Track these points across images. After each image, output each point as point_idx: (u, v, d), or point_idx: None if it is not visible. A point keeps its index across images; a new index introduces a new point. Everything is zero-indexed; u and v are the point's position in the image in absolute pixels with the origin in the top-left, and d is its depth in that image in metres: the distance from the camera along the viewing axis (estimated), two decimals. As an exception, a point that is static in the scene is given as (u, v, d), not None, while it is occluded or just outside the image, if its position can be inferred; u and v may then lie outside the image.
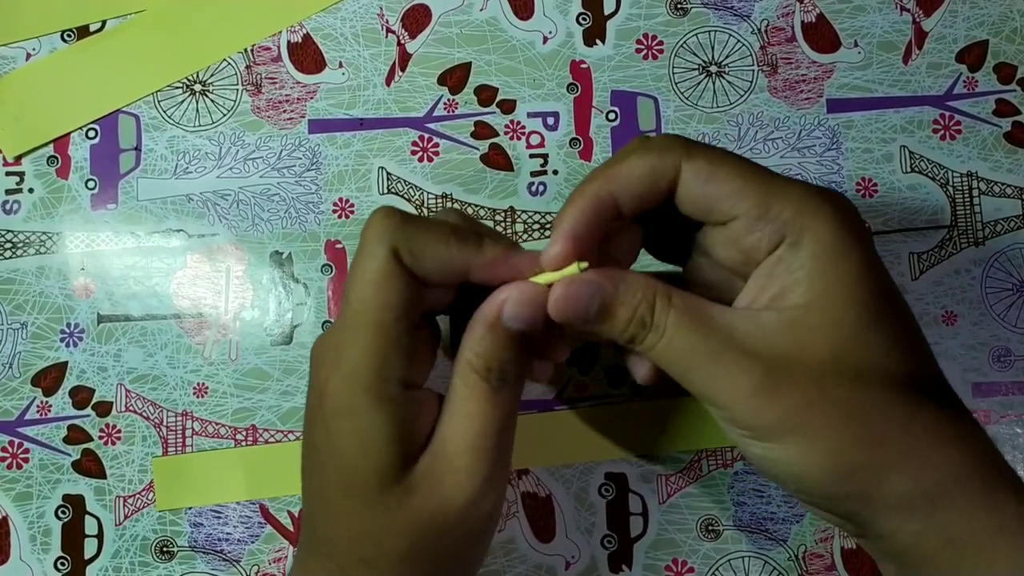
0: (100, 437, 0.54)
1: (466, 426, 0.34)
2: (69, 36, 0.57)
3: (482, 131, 0.56)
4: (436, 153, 0.56)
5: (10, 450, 0.54)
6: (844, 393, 0.31)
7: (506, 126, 0.56)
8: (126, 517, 0.54)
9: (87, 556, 0.54)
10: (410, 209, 0.56)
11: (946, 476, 0.31)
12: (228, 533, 0.54)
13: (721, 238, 0.35)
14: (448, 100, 0.56)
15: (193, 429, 0.54)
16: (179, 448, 0.54)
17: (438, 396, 0.37)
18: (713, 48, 0.57)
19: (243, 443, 0.54)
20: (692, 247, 0.37)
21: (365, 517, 0.34)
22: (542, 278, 0.35)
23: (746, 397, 0.31)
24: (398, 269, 0.34)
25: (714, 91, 0.56)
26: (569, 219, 0.34)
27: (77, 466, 0.54)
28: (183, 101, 0.57)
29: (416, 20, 0.57)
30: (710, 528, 0.54)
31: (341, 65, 0.57)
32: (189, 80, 0.57)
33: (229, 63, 0.57)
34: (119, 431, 0.54)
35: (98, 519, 0.54)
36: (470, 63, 0.57)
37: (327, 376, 0.34)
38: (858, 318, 0.31)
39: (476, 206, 0.56)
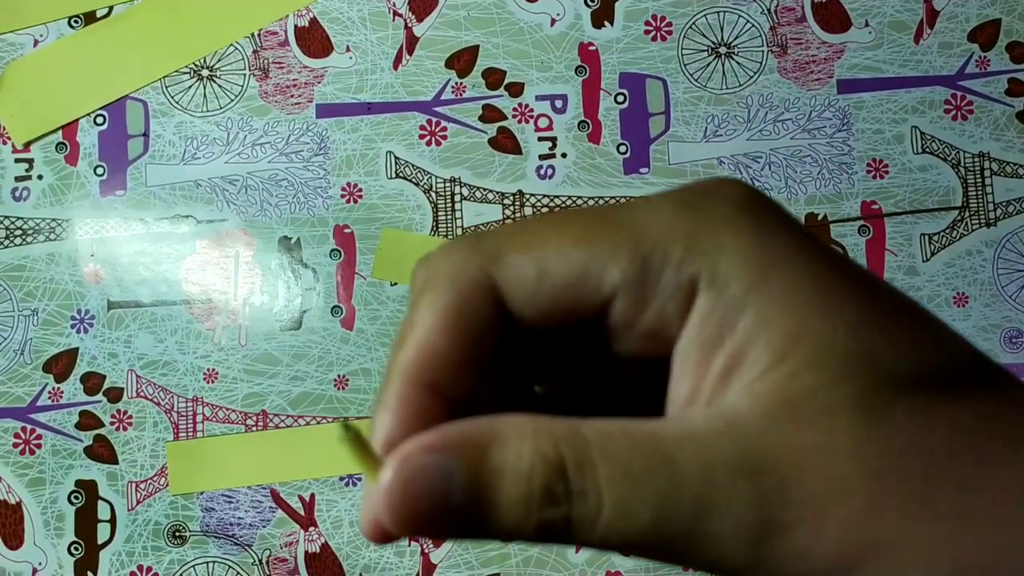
0: (112, 423, 0.55)
1: None
2: (76, 22, 0.57)
3: (490, 114, 0.56)
4: (444, 137, 0.56)
5: (23, 436, 0.55)
6: (907, 465, 0.19)
7: (514, 109, 0.56)
8: (138, 502, 0.54)
9: (100, 541, 0.54)
10: (417, 193, 0.56)
11: None
12: (240, 518, 0.54)
13: (611, 335, 0.22)
14: (456, 83, 0.56)
15: (204, 415, 0.55)
16: (190, 434, 0.55)
17: None
18: (722, 29, 0.56)
19: (253, 428, 0.55)
20: (579, 368, 0.24)
21: None
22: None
23: (773, 538, 0.19)
24: None
25: (723, 72, 0.56)
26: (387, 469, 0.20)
27: (89, 452, 0.55)
28: (191, 86, 0.57)
29: (423, 3, 0.57)
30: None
31: (348, 49, 0.56)
32: (196, 65, 0.57)
33: (236, 48, 0.57)
34: (130, 417, 0.55)
35: (111, 504, 0.54)
36: (478, 46, 0.56)
37: None
38: (871, 349, 0.19)
39: (485, 190, 0.56)
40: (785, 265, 0.20)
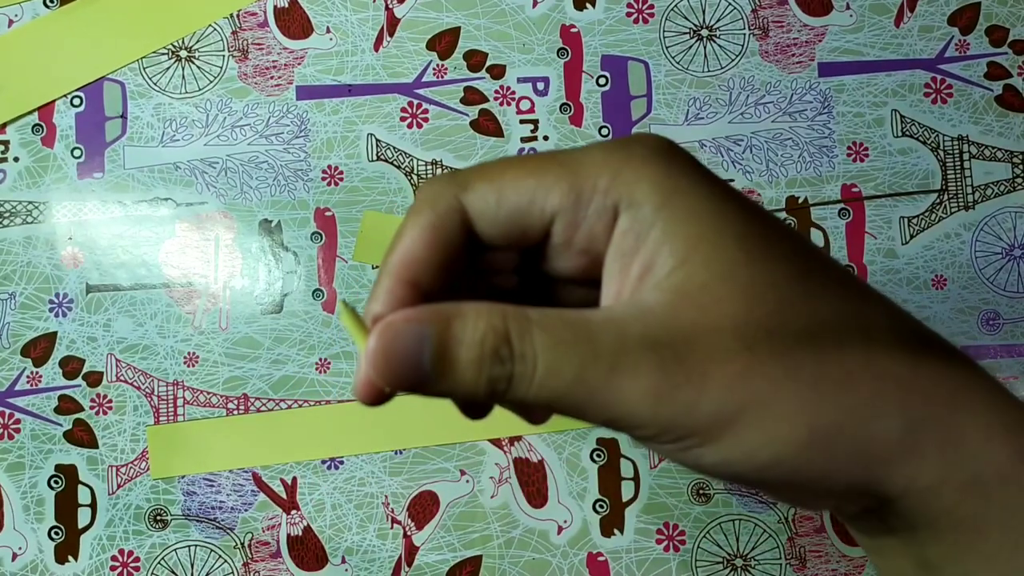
0: (91, 407, 0.54)
1: None
2: (51, 2, 0.56)
3: (472, 97, 0.56)
4: (426, 119, 0.56)
5: (1, 421, 0.54)
6: (776, 342, 0.24)
7: (496, 91, 0.56)
8: (119, 486, 0.54)
9: (81, 525, 0.54)
10: (399, 176, 0.56)
11: (949, 405, 0.25)
12: (221, 501, 0.54)
13: (555, 254, 0.28)
14: (437, 65, 0.56)
15: (184, 398, 0.54)
16: (171, 417, 0.54)
17: None
18: (704, 11, 0.56)
19: (235, 412, 0.54)
20: (533, 286, 0.30)
21: None
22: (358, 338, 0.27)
23: (668, 395, 0.24)
24: None
25: (705, 55, 0.56)
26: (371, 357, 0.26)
27: (69, 436, 0.54)
28: (169, 68, 0.56)
29: (404, -16, 0.56)
30: (701, 492, 0.55)
31: (328, 30, 0.56)
32: (175, 46, 0.56)
33: (215, 28, 0.56)
34: (110, 401, 0.54)
35: (91, 488, 0.54)
36: (459, 28, 0.56)
37: None
38: (749, 253, 0.25)
39: (466, 173, 0.55)
40: (687, 191, 0.26)
